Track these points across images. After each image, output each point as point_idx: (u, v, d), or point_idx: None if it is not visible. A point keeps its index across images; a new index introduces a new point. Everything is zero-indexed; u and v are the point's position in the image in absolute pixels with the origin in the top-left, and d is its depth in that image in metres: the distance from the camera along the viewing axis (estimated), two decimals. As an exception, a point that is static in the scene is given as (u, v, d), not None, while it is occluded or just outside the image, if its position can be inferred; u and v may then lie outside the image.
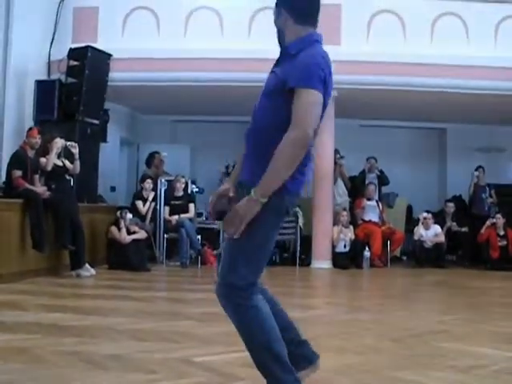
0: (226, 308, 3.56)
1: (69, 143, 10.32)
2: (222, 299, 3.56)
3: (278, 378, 3.48)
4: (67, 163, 10.41)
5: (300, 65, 3.43)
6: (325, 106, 3.49)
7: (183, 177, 13.14)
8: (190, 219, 12.64)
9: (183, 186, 12.93)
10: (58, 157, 10.26)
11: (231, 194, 3.69)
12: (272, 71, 3.61)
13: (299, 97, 3.36)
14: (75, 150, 10.37)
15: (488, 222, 13.28)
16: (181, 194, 12.89)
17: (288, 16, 3.59)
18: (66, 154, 10.47)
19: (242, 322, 3.53)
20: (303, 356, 3.82)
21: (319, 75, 3.41)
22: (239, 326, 3.55)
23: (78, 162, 10.43)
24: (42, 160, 10.02)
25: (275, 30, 3.69)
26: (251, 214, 3.34)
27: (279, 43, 3.69)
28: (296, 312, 6.35)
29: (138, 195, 12.93)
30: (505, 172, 15.77)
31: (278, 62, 3.63)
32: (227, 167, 14.09)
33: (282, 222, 3.66)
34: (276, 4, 3.65)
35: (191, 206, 12.82)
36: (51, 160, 10.02)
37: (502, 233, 13.07)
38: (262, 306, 3.52)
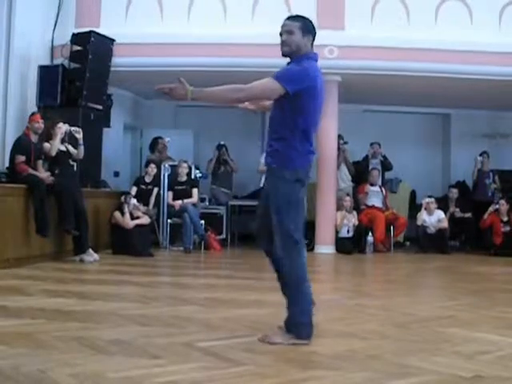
0: (282, 258, 4.84)
1: (73, 128, 10.30)
2: (279, 251, 4.84)
3: (295, 317, 4.83)
4: (71, 148, 10.40)
5: (286, 68, 4.85)
6: (318, 102, 4.88)
7: (185, 161, 13.13)
8: (194, 204, 12.65)
9: (186, 170, 12.93)
10: (62, 142, 10.23)
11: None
12: None
13: (267, 78, 4.77)
14: (79, 136, 10.35)
15: (491, 208, 13.27)
16: (184, 179, 12.89)
17: (309, 41, 4.91)
18: (70, 139, 10.46)
19: (291, 265, 4.81)
20: None
21: (290, 77, 4.74)
22: (288, 269, 4.84)
23: (82, 147, 10.41)
24: (46, 145, 10.02)
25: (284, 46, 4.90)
26: (177, 97, 4.82)
27: (288, 55, 4.91)
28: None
29: (138, 181, 12.90)
30: (509, 158, 15.72)
31: None
32: (219, 146, 14.13)
33: (302, 189, 4.90)
34: (304, 29, 4.88)
35: (195, 191, 12.82)
36: (55, 145, 10.01)
37: (505, 219, 13.05)
38: (304, 260, 4.86)
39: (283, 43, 4.89)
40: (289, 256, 4.80)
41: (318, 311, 6.02)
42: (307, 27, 4.93)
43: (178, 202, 12.59)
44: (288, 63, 4.93)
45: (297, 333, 4.78)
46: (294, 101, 4.73)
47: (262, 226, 5.16)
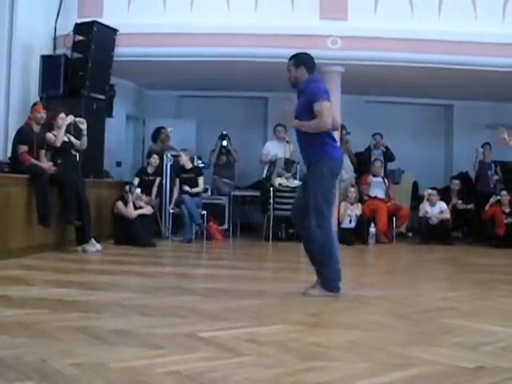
0: (313, 227, 6.42)
1: (77, 119, 10.28)
2: (312, 222, 6.41)
3: (327, 276, 6.47)
4: (72, 139, 10.39)
5: (312, 90, 6.52)
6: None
7: (185, 150, 13.07)
8: (197, 194, 12.63)
9: (187, 158, 12.86)
10: (65, 132, 10.22)
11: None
12: (298, 101, 6.68)
13: (319, 105, 6.40)
14: (83, 126, 10.32)
15: (492, 199, 13.24)
16: (190, 166, 12.87)
17: (304, 70, 6.61)
18: (74, 129, 10.45)
19: (323, 236, 6.39)
20: None
21: (323, 92, 6.51)
22: (320, 239, 6.40)
23: (85, 138, 10.39)
24: (49, 135, 10.02)
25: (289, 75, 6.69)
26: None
27: (293, 86, 6.72)
28: (302, 288, 6.37)
29: (141, 171, 12.89)
30: (512, 149, 15.70)
31: (298, 96, 6.70)
32: (221, 136, 14.12)
33: (336, 179, 6.74)
34: (296, 63, 6.63)
35: (200, 179, 12.78)
36: (60, 136, 10.00)
37: (507, 210, 13.03)
38: (332, 229, 6.57)
39: (288, 79, 6.72)
40: (318, 224, 6.40)
41: (319, 303, 6.05)
42: (298, 61, 6.67)
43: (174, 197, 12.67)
44: (298, 91, 6.70)
45: (326, 287, 6.44)
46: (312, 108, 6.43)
47: (297, 208, 6.80)
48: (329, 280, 6.46)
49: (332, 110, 6.63)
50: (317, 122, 6.39)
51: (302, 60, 6.70)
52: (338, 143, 6.93)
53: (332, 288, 6.45)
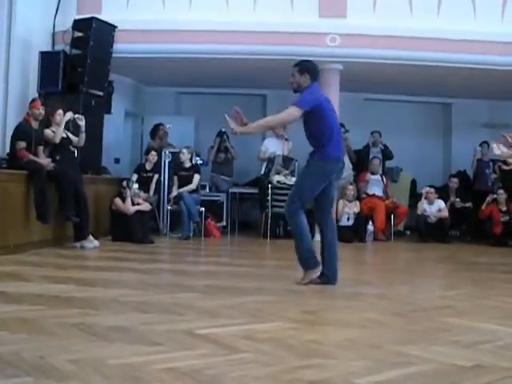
0: (287, 213, 7.10)
1: (76, 116, 10.28)
2: (287, 208, 7.04)
3: (302, 256, 7.06)
4: (70, 136, 10.39)
5: (301, 95, 6.98)
6: (328, 110, 7.00)
7: (188, 147, 13.11)
8: (195, 190, 12.62)
9: (188, 156, 12.88)
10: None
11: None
12: None
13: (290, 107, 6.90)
14: (82, 123, 10.33)
15: (488, 198, 13.24)
16: (188, 165, 12.87)
17: (308, 77, 6.95)
18: (72, 126, 10.45)
19: (294, 222, 7.00)
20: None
21: (307, 101, 6.83)
22: (292, 223, 7.09)
23: (83, 135, 10.40)
24: (47, 132, 10.01)
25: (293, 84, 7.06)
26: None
27: (295, 91, 7.05)
28: (300, 285, 6.35)
29: (139, 168, 12.88)
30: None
31: None
32: (220, 133, 14.09)
33: (328, 179, 6.93)
34: (300, 70, 6.97)
35: (195, 177, 12.76)
36: (59, 133, 10.01)
37: (504, 208, 13.03)
38: (303, 217, 6.96)
39: (291, 84, 7.05)
40: (291, 212, 6.99)
41: (317, 300, 6.05)
42: (303, 68, 7.01)
43: (174, 193, 12.61)
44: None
45: (305, 266, 7.02)
46: (312, 114, 6.80)
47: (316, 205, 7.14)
48: (304, 259, 7.05)
49: (290, 119, 7.11)
50: (267, 119, 7.65)
51: (307, 67, 7.06)
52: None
53: (309, 265, 7.02)
